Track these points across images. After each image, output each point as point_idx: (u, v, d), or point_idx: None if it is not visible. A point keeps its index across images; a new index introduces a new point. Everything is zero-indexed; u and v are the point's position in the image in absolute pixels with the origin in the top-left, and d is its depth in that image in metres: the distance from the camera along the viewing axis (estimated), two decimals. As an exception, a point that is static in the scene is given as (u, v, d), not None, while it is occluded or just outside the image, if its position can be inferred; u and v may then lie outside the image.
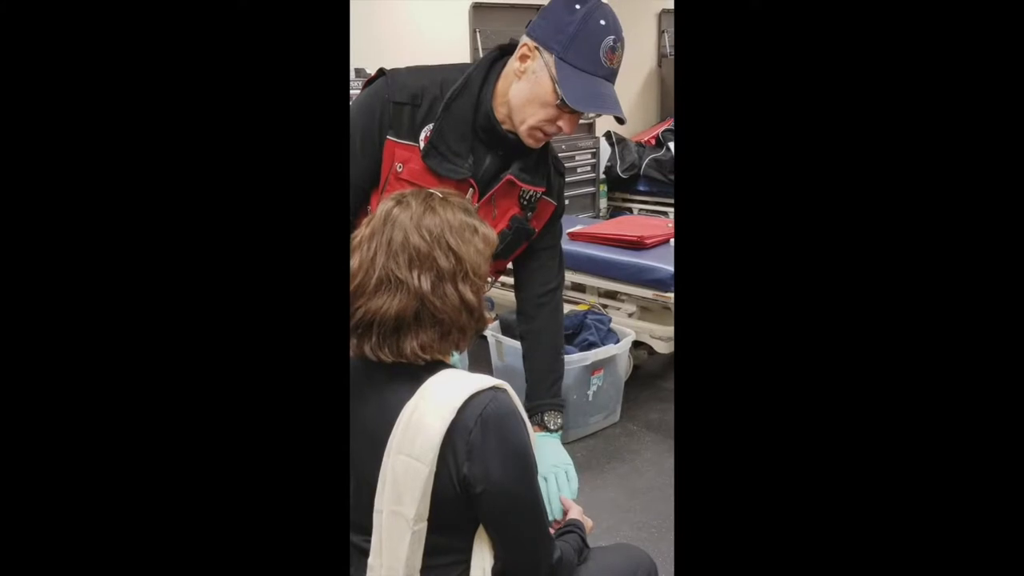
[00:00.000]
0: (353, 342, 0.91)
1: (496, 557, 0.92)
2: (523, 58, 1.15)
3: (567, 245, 2.99)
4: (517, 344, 2.51)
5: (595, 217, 4.27)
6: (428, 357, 0.90)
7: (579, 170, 4.34)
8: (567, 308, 2.85)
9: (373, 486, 0.90)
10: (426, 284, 0.88)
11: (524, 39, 1.16)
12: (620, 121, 1.18)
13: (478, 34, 4.13)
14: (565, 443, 2.64)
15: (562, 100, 1.11)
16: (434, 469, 0.85)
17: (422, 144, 1.17)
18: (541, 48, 1.13)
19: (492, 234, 0.96)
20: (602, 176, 4.52)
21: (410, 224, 0.90)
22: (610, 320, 2.62)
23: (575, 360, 2.40)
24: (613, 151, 4.62)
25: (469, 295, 0.91)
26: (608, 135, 4.61)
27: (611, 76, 1.14)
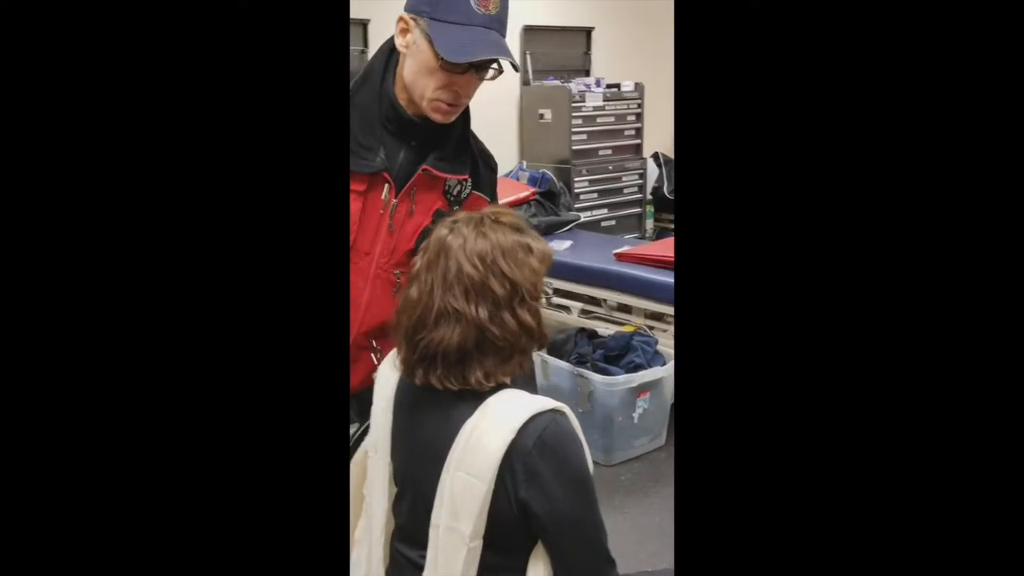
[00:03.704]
0: (419, 372, 0.93)
1: (552, 577, 0.93)
2: (403, 32, 1.12)
3: (613, 266, 3.01)
4: (563, 364, 2.52)
5: (641, 238, 4.26)
6: (492, 384, 0.92)
7: (626, 191, 4.34)
8: (613, 329, 2.85)
9: (430, 501, 0.92)
10: (483, 313, 0.90)
11: (400, 15, 1.12)
12: (514, 68, 1.11)
13: (528, 57, 4.18)
14: (609, 465, 2.60)
15: (443, 59, 1.06)
16: (492, 488, 0.87)
17: None
18: (415, 16, 1.09)
19: (547, 249, 0.97)
20: (649, 197, 4.51)
21: (462, 253, 0.91)
22: (656, 342, 2.60)
23: (621, 382, 2.40)
24: (660, 172, 4.61)
25: (527, 318, 0.93)
26: (656, 156, 4.60)
27: (491, 23, 1.08)
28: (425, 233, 1.18)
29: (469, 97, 1.16)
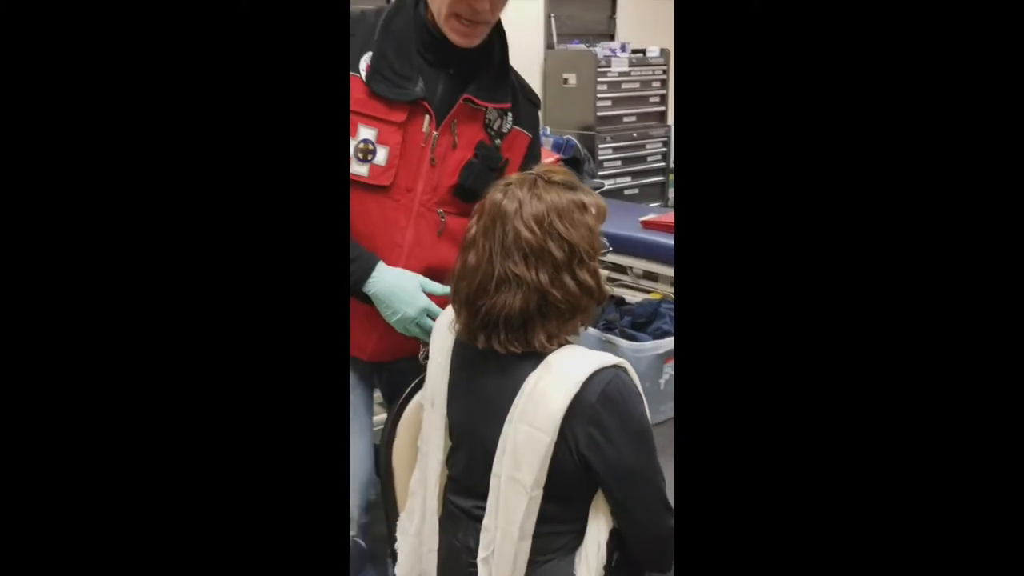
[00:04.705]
0: (481, 337, 0.94)
1: (612, 528, 0.95)
2: None
3: (639, 234, 3.00)
4: (591, 330, 2.54)
5: (664, 207, 4.25)
6: (555, 346, 0.93)
7: (649, 159, 4.32)
8: (640, 297, 2.86)
9: (490, 453, 0.94)
10: (544, 277, 0.90)
11: None
12: None
13: (553, 19, 4.13)
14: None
15: None
16: (555, 440, 0.89)
17: (364, 73, 1.12)
18: None
19: (601, 204, 0.97)
20: (671, 165, 4.49)
21: (519, 219, 0.91)
22: (684, 310, 2.62)
23: (648, 348, 2.41)
24: (684, 140, 4.57)
25: (586, 278, 0.93)
26: (679, 124, 4.57)
27: None
28: (468, 168, 1.17)
29: (488, 15, 1.11)
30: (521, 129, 1.24)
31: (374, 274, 1.14)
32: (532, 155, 1.28)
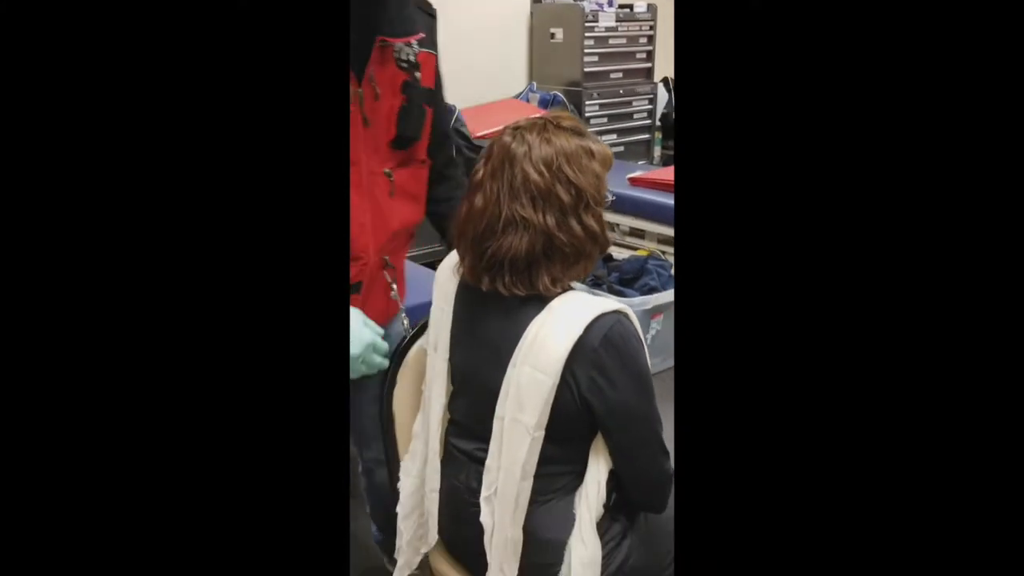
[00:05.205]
0: (485, 279, 0.96)
1: (612, 469, 0.99)
2: None
3: (627, 191, 3.02)
4: (579, 285, 2.56)
5: (650, 165, 4.25)
6: (559, 289, 0.95)
7: (635, 116, 4.30)
8: (627, 254, 2.88)
9: (493, 396, 0.96)
10: (551, 220, 0.92)
11: None
12: None
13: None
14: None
15: None
16: (557, 382, 0.91)
17: None
18: None
19: (607, 152, 0.98)
20: (658, 123, 4.47)
21: (528, 161, 0.92)
22: (671, 266, 2.65)
23: (636, 304, 2.45)
24: (670, 98, 4.55)
25: (592, 224, 0.95)
26: (666, 81, 4.54)
27: None
28: (404, 114, 1.10)
29: None
30: (427, 49, 1.15)
31: None
32: (439, 74, 1.21)
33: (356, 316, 1.07)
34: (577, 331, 0.90)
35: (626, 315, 0.94)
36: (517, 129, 0.97)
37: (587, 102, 3.99)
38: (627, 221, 2.97)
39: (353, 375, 1.06)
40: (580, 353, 0.91)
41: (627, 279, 2.58)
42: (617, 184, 2.98)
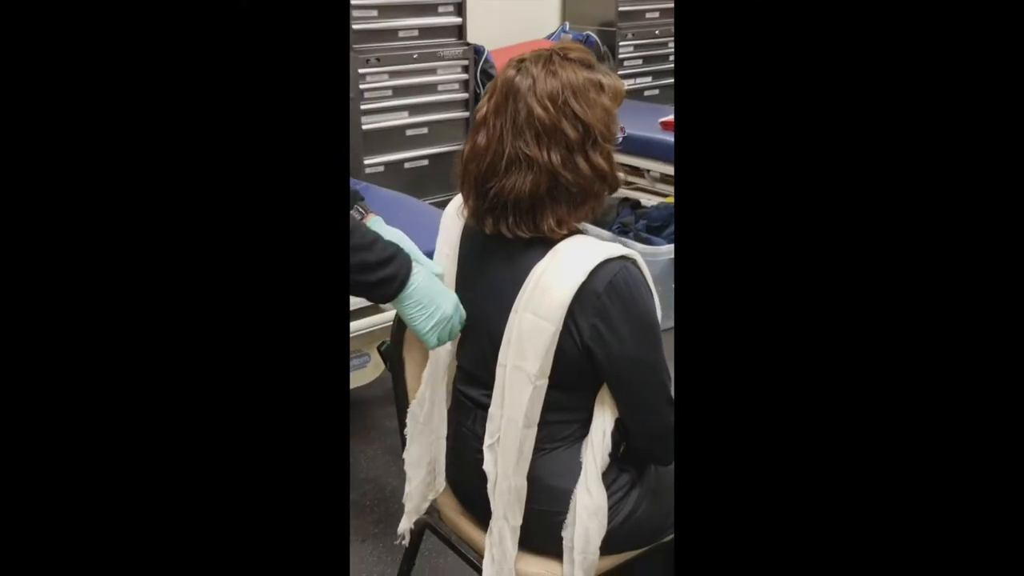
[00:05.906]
0: (489, 221, 0.92)
1: (618, 418, 0.96)
2: None
3: (658, 135, 2.91)
4: (605, 233, 2.51)
5: (685, 109, 4.11)
6: (565, 231, 0.91)
7: (671, 58, 4.14)
8: (656, 200, 2.81)
9: (497, 342, 0.94)
10: (556, 158, 0.87)
11: None
12: None
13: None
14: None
15: None
16: (559, 329, 0.88)
17: None
18: None
19: (619, 85, 0.93)
20: (695, 66, 4.30)
21: (532, 96, 0.88)
22: (701, 214, 2.57)
23: (664, 252, 2.39)
24: (709, 39, 4.36)
25: (600, 162, 0.90)
26: (705, 21, 4.35)
27: None
28: None
29: None
30: None
31: (416, 269, 0.94)
32: None
33: (429, 270, 0.96)
34: (580, 277, 0.87)
35: (633, 261, 0.90)
36: (522, 61, 0.92)
37: (621, 43, 3.84)
38: (657, 167, 2.88)
39: (442, 340, 0.97)
40: (583, 299, 0.87)
41: (655, 227, 2.52)
42: (648, 128, 2.89)
